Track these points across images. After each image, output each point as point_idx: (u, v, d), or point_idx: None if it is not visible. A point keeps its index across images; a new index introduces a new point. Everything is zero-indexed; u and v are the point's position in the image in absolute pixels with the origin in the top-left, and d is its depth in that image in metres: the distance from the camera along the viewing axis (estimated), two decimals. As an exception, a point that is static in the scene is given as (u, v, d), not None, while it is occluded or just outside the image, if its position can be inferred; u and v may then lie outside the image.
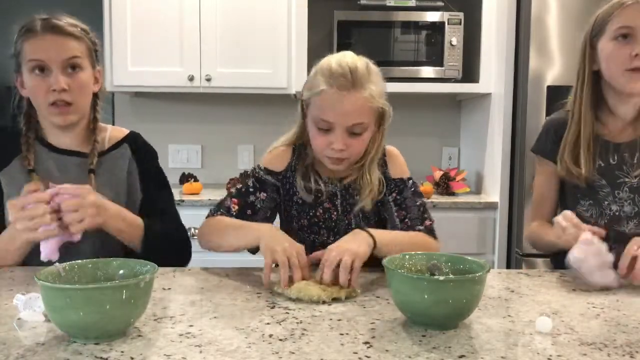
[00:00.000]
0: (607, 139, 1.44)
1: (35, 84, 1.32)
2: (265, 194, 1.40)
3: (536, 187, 1.56)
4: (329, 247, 1.18)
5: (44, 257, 1.19)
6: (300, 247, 1.20)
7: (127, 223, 1.32)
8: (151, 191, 1.45)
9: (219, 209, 1.40)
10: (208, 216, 1.41)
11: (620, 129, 1.45)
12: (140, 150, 1.48)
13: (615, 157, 1.43)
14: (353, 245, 1.18)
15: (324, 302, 1.07)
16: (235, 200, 1.39)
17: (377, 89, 1.30)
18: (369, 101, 1.29)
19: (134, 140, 1.49)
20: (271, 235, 1.23)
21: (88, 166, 1.38)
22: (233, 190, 1.44)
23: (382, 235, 1.25)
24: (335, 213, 1.41)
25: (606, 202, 1.42)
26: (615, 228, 1.40)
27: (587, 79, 1.43)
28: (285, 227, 1.46)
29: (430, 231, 1.37)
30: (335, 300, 1.08)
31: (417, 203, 1.41)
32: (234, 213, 1.38)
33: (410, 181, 1.44)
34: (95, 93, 1.42)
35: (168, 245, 1.36)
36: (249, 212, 1.38)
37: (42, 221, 1.17)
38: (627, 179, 1.41)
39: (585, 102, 1.42)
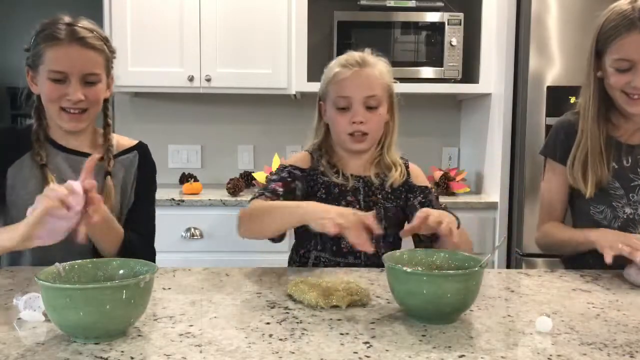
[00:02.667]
0: (620, 141, 1.43)
1: (50, 90, 1.32)
2: (300, 184, 1.44)
3: (545, 191, 1.54)
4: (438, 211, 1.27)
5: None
6: (350, 210, 1.22)
7: (113, 230, 1.32)
8: (139, 203, 1.46)
9: (264, 192, 1.40)
10: (252, 199, 1.40)
11: (633, 131, 1.44)
12: (147, 162, 1.50)
13: (629, 160, 1.42)
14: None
15: (322, 308, 1.04)
16: (280, 183, 1.41)
17: (385, 68, 1.48)
18: (380, 77, 1.45)
19: (143, 151, 1.50)
20: (316, 209, 1.24)
21: (104, 168, 1.40)
22: (273, 176, 1.46)
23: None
24: (357, 207, 1.43)
25: (620, 205, 1.41)
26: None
27: (593, 90, 1.41)
28: (299, 229, 1.50)
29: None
30: (335, 307, 1.05)
31: (442, 206, 1.49)
32: (280, 193, 1.39)
33: (432, 190, 1.54)
34: (106, 98, 1.44)
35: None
36: (292, 196, 1.41)
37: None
38: None
39: (593, 115, 1.41)
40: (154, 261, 1.43)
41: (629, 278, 1.25)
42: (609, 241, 1.27)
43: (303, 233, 1.48)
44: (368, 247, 1.15)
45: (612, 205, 1.41)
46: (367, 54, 1.48)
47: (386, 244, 1.47)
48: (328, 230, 1.16)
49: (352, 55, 1.47)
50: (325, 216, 1.18)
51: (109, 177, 1.40)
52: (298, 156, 1.53)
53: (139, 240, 1.39)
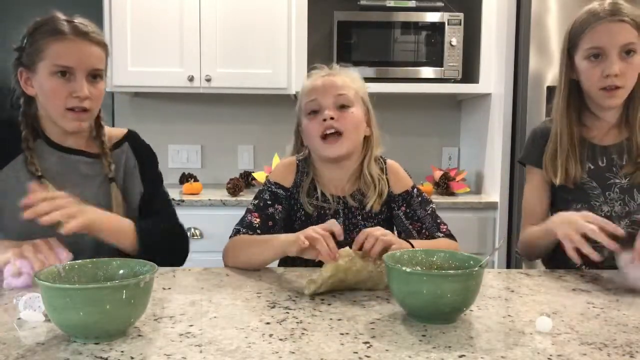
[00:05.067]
0: (594, 142, 1.46)
1: (55, 87, 1.28)
2: (280, 206, 1.44)
3: (526, 197, 1.56)
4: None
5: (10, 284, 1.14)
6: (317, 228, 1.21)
7: (116, 227, 1.29)
8: (150, 189, 1.45)
9: (241, 227, 1.40)
10: (231, 236, 1.41)
11: (606, 132, 1.47)
12: (141, 148, 1.49)
13: (604, 160, 1.45)
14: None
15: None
16: (255, 214, 1.42)
17: (355, 76, 1.47)
18: (350, 82, 1.44)
19: (133, 139, 1.49)
20: (292, 237, 1.23)
21: (106, 174, 1.39)
22: (251, 206, 1.46)
23: (417, 244, 1.29)
24: (340, 220, 1.44)
25: (597, 204, 1.44)
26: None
27: (563, 88, 1.46)
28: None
29: (449, 235, 1.44)
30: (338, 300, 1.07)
31: (428, 211, 1.46)
32: (257, 225, 1.39)
33: (415, 190, 1.49)
34: None
35: (165, 243, 1.36)
36: (270, 223, 1.41)
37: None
38: (617, 180, 1.43)
39: (562, 111, 1.45)
40: (185, 236, 1.43)
41: (630, 282, 1.21)
42: (565, 233, 1.26)
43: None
44: (333, 258, 1.13)
45: (590, 204, 1.44)
46: (335, 67, 1.49)
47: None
48: (301, 246, 1.18)
49: (322, 67, 1.50)
50: (297, 239, 1.19)
51: (113, 183, 1.38)
52: (285, 164, 1.50)
53: (155, 222, 1.37)
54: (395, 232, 1.46)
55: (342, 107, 1.41)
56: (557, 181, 1.44)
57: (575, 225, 1.25)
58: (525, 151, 1.58)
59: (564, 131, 1.44)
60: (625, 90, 1.39)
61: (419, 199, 1.47)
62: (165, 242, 1.36)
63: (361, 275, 1.13)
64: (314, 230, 1.18)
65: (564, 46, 1.46)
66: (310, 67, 1.53)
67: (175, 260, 1.38)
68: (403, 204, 1.46)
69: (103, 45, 1.35)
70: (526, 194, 1.56)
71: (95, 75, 1.33)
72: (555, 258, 1.47)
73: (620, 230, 1.22)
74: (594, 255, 1.20)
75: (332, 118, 1.38)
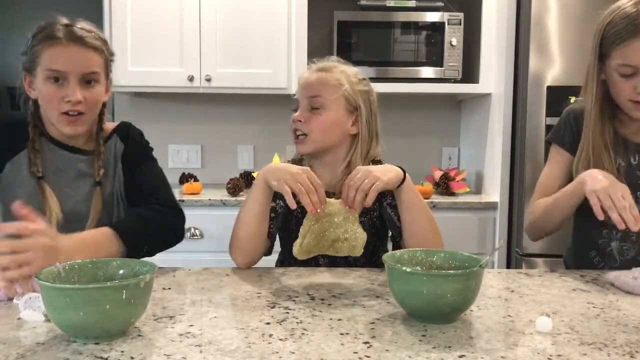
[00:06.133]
0: (627, 138, 1.42)
1: (49, 92, 1.30)
2: (280, 201, 1.43)
3: (545, 173, 1.51)
4: (357, 167, 1.27)
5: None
6: (308, 170, 1.26)
7: (90, 246, 1.21)
8: (138, 173, 1.42)
9: None
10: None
11: (639, 129, 1.42)
12: (130, 137, 1.46)
13: (637, 157, 1.40)
14: (379, 172, 1.25)
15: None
16: None
17: (345, 77, 1.45)
18: (334, 81, 1.44)
19: (124, 129, 1.47)
20: (272, 170, 1.29)
21: (93, 176, 1.38)
22: None
23: (411, 184, 1.32)
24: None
25: None
26: None
27: (596, 92, 1.39)
28: (284, 240, 1.51)
29: None
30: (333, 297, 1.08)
31: None
32: None
33: None
34: (104, 102, 1.42)
35: (154, 236, 1.32)
36: (272, 215, 1.41)
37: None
38: None
39: (596, 116, 1.39)
40: (178, 217, 1.41)
41: (622, 286, 1.20)
42: (597, 189, 1.24)
43: (287, 246, 1.50)
44: (318, 210, 1.21)
45: None
46: (333, 61, 1.50)
47: (366, 252, 1.47)
48: (281, 191, 1.24)
49: (319, 60, 1.51)
50: (283, 177, 1.24)
51: (98, 188, 1.37)
52: None
53: (140, 213, 1.34)
54: (390, 232, 1.47)
55: (313, 109, 1.44)
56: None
57: (609, 190, 1.23)
58: (555, 131, 1.51)
59: (599, 133, 1.38)
60: None
61: None
62: (153, 235, 1.32)
63: (340, 228, 1.23)
64: (297, 179, 1.22)
65: (595, 48, 1.38)
66: (310, 60, 1.55)
67: (169, 243, 1.37)
68: (389, 196, 1.44)
69: (100, 50, 1.34)
70: (546, 170, 1.51)
71: (90, 80, 1.32)
72: (576, 256, 1.44)
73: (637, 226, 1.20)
74: (632, 224, 1.19)
75: (299, 120, 1.44)
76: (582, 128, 1.43)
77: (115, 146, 1.44)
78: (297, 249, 1.23)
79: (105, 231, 1.25)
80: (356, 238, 1.23)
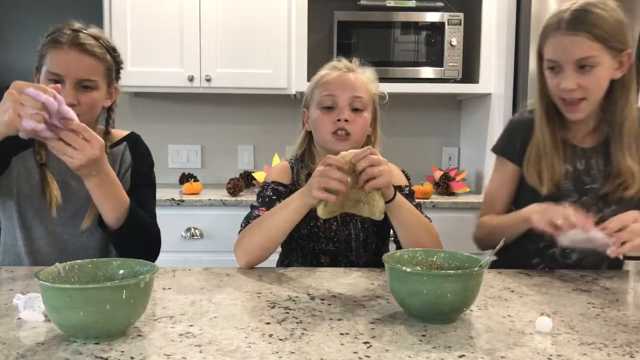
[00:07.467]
0: (574, 144, 1.43)
1: None
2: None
3: (492, 186, 1.53)
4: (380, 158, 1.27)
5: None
6: (325, 162, 1.23)
7: (117, 193, 1.31)
8: (139, 189, 1.46)
9: (248, 221, 1.39)
10: (240, 232, 1.39)
11: (584, 134, 1.43)
12: (138, 149, 1.51)
13: (583, 162, 1.41)
14: (391, 173, 1.26)
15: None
16: (262, 208, 1.41)
17: (371, 78, 1.49)
18: (367, 82, 1.47)
19: (133, 140, 1.52)
20: (307, 191, 1.26)
21: None
22: (256, 203, 1.46)
23: (401, 201, 1.33)
24: (335, 224, 1.46)
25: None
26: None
27: (539, 90, 1.41)
28: (284, 240, 1.48)
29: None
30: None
31: (413, 204, 1.45)
32: None
33: (407, 187, 1.51)
34: (110, 107, 1.45)
35: (144, 235, 1.38)
36: None
37: (33, 116, 1.11)
38: (594, 185, 1.39)
39: (541, 117, 1.41)
40: (159, 237, 1.45)
41: (570, 244, 1.24)
42: (540, 219, 1.26)
43: (288, 245, 1.50)
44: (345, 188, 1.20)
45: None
46: (355, 63, 1.50)
47: (368, 252, 1.47)
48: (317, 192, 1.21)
49: (341, 60, 1.50)
50: (311, 182, 1.23)
51: None
52: (279, 168, 1.52)
53: (142, 213, 1.39)
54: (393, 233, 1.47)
55: (356, 110, 1.43)
56: (545, 191, 1.38)
57: (550, 213, 1.24)
58: (500, 142, 1.54)
59: (546, 134, 1.40)
60: (588, 102, 1.34)
61: (407, 192, 1.48)
62: (146, 233, 1.39)
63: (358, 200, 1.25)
64: (327, 177, 1.19)
65: (538, 47, 1.41)
66: (337, 59, 1.53)
67: (145, 255, 1.39)
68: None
69: (101, 58, 1.36)
70: (492, 183, 1.53)
71: (87, 86, 1.35)
72: (509, 254, 1.44)
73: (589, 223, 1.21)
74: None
75: (346, 120, 1.41)
76: (526, 137, 1.44)
77: (123, 154, 1.47)
78: (321, 209, 1.22)
79: (127, 199, 1.34)
80: (374, 204, 1.24)
